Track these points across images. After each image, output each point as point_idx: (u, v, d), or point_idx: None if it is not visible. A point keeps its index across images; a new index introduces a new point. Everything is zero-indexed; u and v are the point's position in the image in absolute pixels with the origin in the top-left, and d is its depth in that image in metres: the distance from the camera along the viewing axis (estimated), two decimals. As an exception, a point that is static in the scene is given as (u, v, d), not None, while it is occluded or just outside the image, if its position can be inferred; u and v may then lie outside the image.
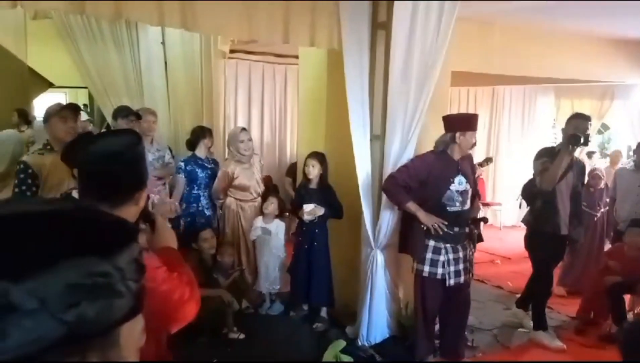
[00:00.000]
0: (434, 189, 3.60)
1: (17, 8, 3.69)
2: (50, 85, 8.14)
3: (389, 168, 3.80)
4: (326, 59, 4.45)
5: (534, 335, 4.33)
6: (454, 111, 6.45)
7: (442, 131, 3.67)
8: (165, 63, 5.82)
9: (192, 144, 4.92)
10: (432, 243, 3.59)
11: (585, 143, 3.99)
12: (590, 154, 8.36)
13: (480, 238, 3.96)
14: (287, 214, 4.95)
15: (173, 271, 1.41)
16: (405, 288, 4.14)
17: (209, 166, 4.86)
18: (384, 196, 3.82)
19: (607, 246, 5.50)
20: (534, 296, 4.45)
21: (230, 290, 4.24)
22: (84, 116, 6.19)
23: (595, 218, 5.59)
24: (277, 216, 4.68)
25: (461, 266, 3.64)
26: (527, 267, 4.56)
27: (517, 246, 5.90)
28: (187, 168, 4.75)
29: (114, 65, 5.85)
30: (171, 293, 1.38)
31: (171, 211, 3.19)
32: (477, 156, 7.04)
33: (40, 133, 5.17)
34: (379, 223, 3.91)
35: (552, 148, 4.22)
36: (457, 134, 3.57)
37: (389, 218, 3.90)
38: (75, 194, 2.08)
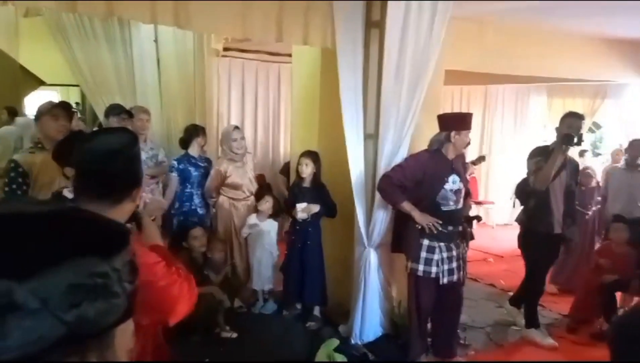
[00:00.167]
0: (428, 189, 3.60)
1: (9, 5, 3.65)
2: (42, 83, 8.10)
3: (383, 167, 3.81)
4: (320, 58, 4.44)
5: (526, 333, 4.36)
6: (447, 110, 6.45)
7: (436, 130, 3.68)
8: (158, 61, 5.78)
9: (185, 142, 4.90)
10: (426, 242, 3.60)
11: (579, 143, 4.00)
12: (582, 153, 8.39)
13: (471, 236, 3.97)
14: (281, 215, 4.94)
15: (171, 266, 1.44)
16: (398, 287, 4.15)
17: (202, 165, 4.85)
18: (377, 195, 3.82)
19: (599, 244, 5.53)
20: (526, 295, 4.47)
21: (223, 287, 4.23)
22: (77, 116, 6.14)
23: (587, 217, 5.61)
24: (270, 216, 4.68)
25: (454, 264, 3.65)
26: (519, 265, 4.58)
27: (509, 245, 5.93)
28: (180, 166, 4.73)
29: (106, 63, 5.79)
30: (170, 287, 1.41)
31: (160, 208, 3.19)
32: (470, 154, 7.06)
33: (23, 130, 5.15)
34: (372, 222, 3.91)
35: (546, 147, 4.22)
36: (452, 133, 3.58)
37: (382, 217, 3.90)
38: (66, 193, 2.06)
